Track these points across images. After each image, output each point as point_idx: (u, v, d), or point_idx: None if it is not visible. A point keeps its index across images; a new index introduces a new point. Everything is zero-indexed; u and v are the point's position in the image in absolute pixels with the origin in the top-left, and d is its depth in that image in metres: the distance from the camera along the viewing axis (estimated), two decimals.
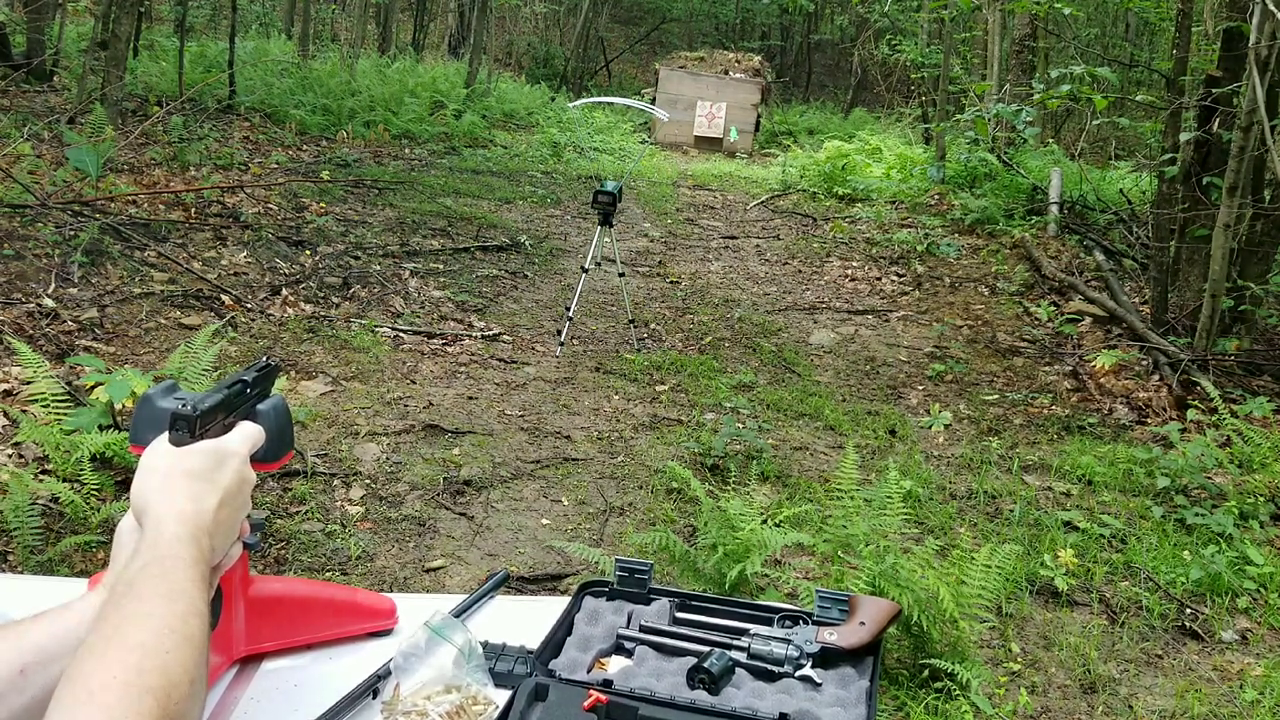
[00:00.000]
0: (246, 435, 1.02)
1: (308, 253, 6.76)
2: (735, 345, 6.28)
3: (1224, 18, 6.66)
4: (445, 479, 4.06)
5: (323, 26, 18.22)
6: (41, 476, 3.43)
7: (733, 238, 9.29)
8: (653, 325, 6.51)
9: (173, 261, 5.92)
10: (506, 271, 7.26)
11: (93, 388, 3.56)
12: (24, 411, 3.78)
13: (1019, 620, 3.45)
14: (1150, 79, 14.81)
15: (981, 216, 9.69)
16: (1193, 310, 6.23)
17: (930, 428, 5.18)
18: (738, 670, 1.18)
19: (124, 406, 3.53)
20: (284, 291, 5.94)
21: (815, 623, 1.25)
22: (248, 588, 1.15)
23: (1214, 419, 4.88)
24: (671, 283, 7.61)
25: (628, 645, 1.23)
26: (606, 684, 1.11)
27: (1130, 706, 3.04)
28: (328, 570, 3.35)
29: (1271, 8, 4.86)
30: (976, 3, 10.54)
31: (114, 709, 0.68)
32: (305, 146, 10.42)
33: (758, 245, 9.07)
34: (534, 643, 1.19)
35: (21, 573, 3.00)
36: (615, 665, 1.19)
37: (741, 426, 4.75)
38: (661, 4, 22.52)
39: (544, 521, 3.84)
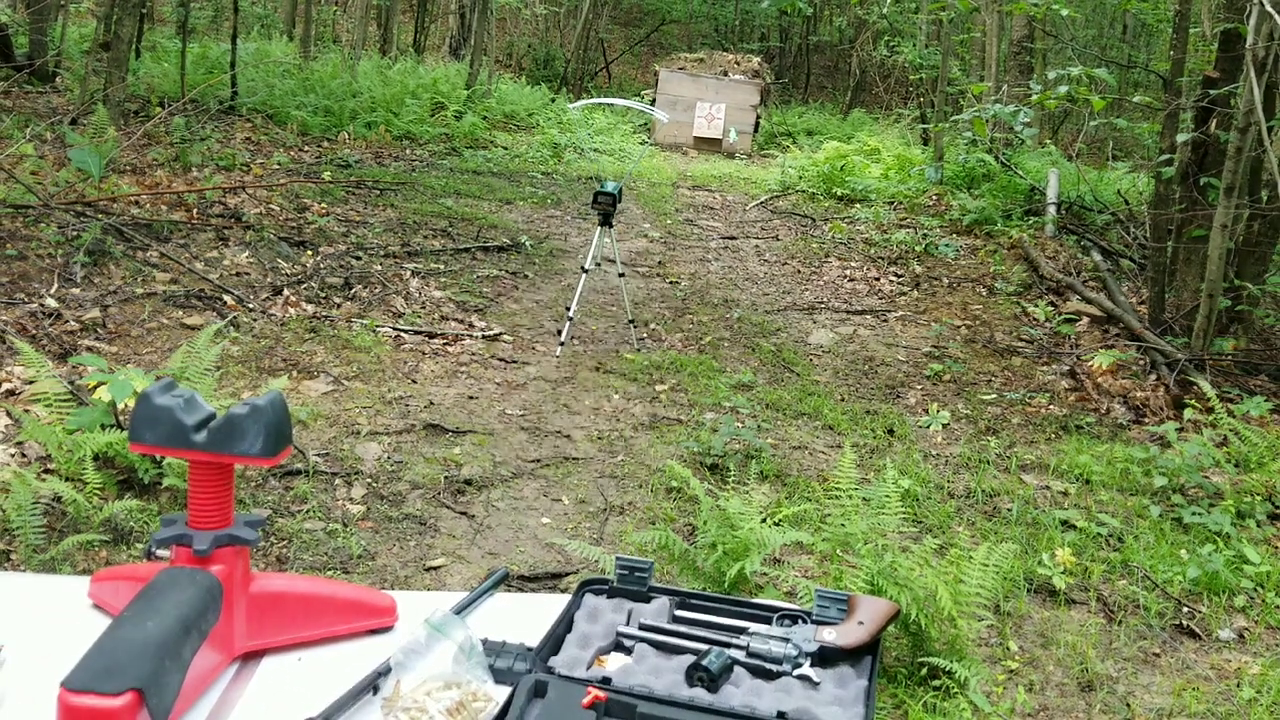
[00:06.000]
0: None
1: (309, 253, 6.77)
2: (734, 345, 6.29)
3: (1221, 19, 6.67)
4: (446, 478, 4.07)
5: (324, 28, 18.22)
6: (44, 476, 3.44)
7: (732, 238, 9.31)
8: (652, 325, 6.52)
9: (175, 262, 5.93)
10: (507, 272, 7.27)
11: (95, 387, 3.57)
12: (27, 411, 3.79)
13: (1017, 618, 3.46)
14: (1147, 80, 14.82)
15: (979, 217, 9.70)
16: (1190, 310, 6.25)
17: (928, 427, 5.19)
18: (736, 668, 1.19)
19: (126, 406, 3.55)
20: (286, 291, 5.95)
21: (814, 622, 1.26)
22: (249, 585, 1.16)
23: (1211, 418, 4.89)
24: (671, 283, 7.63)
25: (627, 643, 1.24)
26: (605, 681, 1.12)
27: (1128, 705, 3.05)
28: (329, 569, 3.36)
29: (1269, 9, 4.87)
30: (975, 4, 10.54)
31: None
32: (307, 147, 10.42)
33: (757, 246, 9.08)
34: (534, 640, 1.20)
35: (24, 571, 3.01)
36: (614, 663, 1.20)
37: (741, 426, 4.77)
38: (661, 6, 22.50)
39: (544, 520, 3.86)
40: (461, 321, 6.10)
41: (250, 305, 5.66)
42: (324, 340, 5.39)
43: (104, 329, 4.99)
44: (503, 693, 1.10)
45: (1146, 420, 5.39)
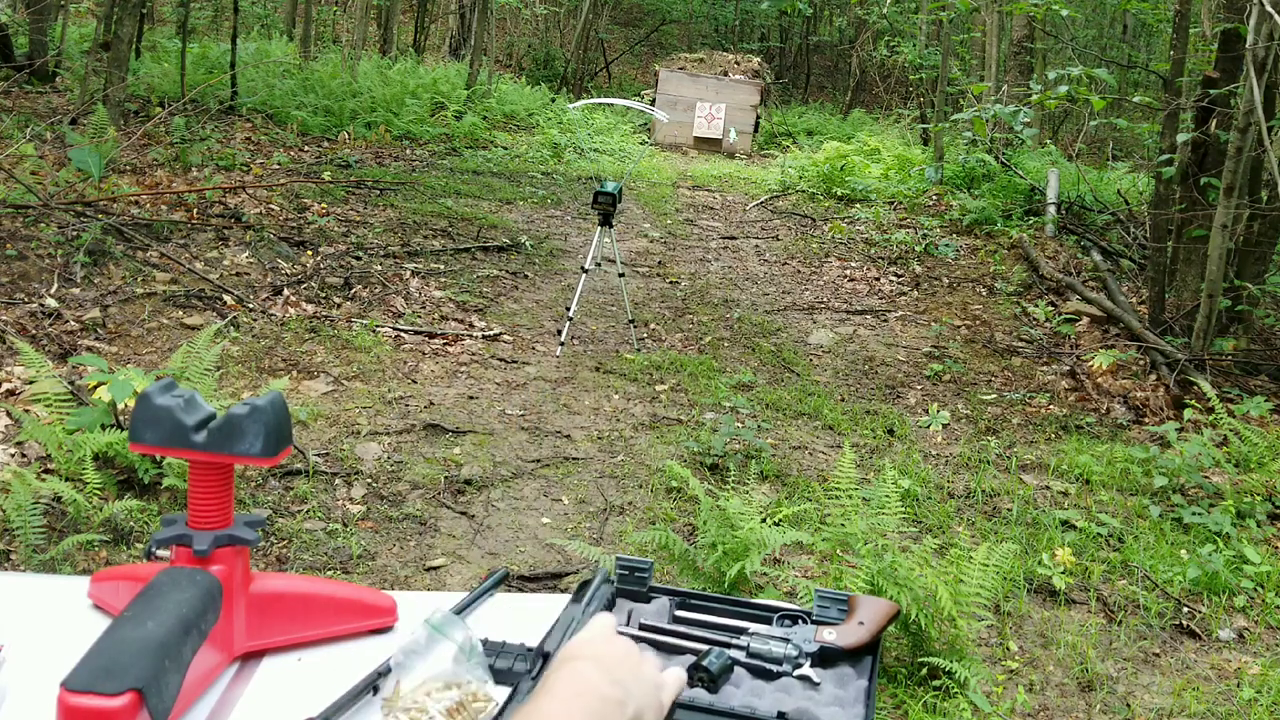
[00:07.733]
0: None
1: (309, 253, 6.77)
2: (734, 345, 6.29)
3: (1221, 19, 6.67)
4: (446, 478, 4.07)
5: (324, 28, 18.22)
6: (44, 476, 3.44)
7: (732, 238, 9.31)
8: (652, 325, 6.52)
9: (175, 262, 5.93)
10: (507, 272, 7.27)
11: (95, 387, 3.57)
12: (27, 411, 3.80)
13: (1017, 619, 3.46)
14: (1148, 80, 14.82)
15: (979, 217, 9.70)
16: (1190, 310, 6.25)
17: (928, 427, 5.19)
18: (736, 669, 1.19)
19: (126, 406, 3.55)
20: (286, 291, 5.95)
21: (814, 622, 1.26)
22: (248, 585, 1.16)
23: (1211, 418, 4.89)
24: (671, 283, 7.63)
25: None
26: None
27: (1128, 704, 3.05)
28: (329, 569, 3.36)
29: (1269, 9, 4.88)
30: (975, 4, 10.55)
31: None
32: (307, 147, 10.42)
33: (757, 246, 9.08)
34: (534, 640, 1.20)
35: (25, 571, 3.01)
36: None
37: (741, 426, 4.77)
38: (661, 6, 22.50)
39: (544, 520, 3.86)
40: (461, 321, 6.11)
41: (250, 305, 5.66)
42: (324, 340, 5.39)
43: (104, 329, 4.99)
44: (503, 693, 1.10)
45: (1146, 420, 5.39)
